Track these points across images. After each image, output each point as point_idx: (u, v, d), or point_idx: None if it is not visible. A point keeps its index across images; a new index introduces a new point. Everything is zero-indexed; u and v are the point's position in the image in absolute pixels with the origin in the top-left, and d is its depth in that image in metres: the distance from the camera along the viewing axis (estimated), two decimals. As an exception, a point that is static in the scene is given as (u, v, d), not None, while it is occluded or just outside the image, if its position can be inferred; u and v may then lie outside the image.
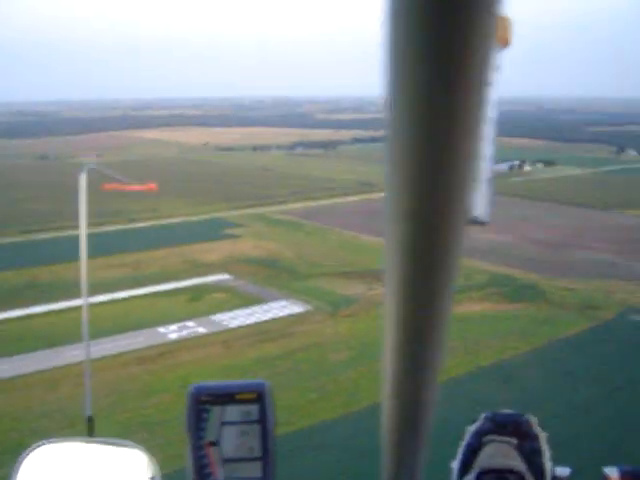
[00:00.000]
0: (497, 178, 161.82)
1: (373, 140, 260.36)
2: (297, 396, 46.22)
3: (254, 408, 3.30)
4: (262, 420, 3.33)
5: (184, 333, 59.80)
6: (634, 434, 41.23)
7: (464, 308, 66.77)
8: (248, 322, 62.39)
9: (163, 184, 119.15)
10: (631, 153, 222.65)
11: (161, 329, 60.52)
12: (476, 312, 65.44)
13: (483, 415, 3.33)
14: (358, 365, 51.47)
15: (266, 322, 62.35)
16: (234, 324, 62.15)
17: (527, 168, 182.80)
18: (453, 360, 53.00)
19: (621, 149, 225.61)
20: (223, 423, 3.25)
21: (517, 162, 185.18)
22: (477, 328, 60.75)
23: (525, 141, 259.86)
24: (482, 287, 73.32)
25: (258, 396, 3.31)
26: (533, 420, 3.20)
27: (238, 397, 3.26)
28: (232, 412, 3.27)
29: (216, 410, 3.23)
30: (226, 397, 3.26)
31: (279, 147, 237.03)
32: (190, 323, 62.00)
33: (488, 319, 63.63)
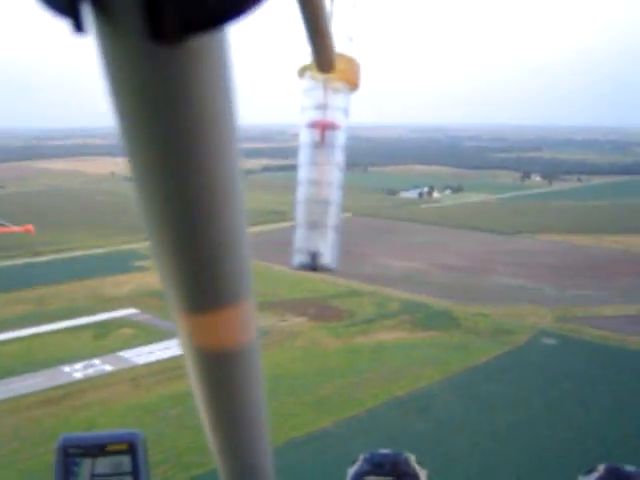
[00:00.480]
0: (407, 205, 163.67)
1: (282, 169, 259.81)
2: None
3: (126, 459, 3.04)
4: (135, 472, 3.03)
5: (90, 372, 56.95)
6: (552, 461, 40.96)
7: (378, 337, 66.16)
8: (158, 358, 59.94)
9: (69, 215, 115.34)
10: (536, 179, 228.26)
11: (66, 368, 57.51)
12: (390, 341, 64.84)
13: (362, 456, 3.27)
14: (272, 400, 49.66)
15: (177, 357, 60.09)
16: (143, 361, 59.74)
17: (436, 195, 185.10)
18: (368, 391, 52.13)
19: (526, 175, 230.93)
20: (93, 476, 3.01)
21: (426, 189, 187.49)
22: (391, 357, 60.07)
23: (434, 168, 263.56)
24: (395, 315, 72.85)
25: (130, 447, 3.05)
26: (412, 458, 3.23)
27: (109, 448, 3.03)
28: (103, 464, 3.03)
29: (86, 462, 2.99)
30: (96, 448, 3.03)
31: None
32: (96, 361, 59.16)
33: (402, 348, 62.98)
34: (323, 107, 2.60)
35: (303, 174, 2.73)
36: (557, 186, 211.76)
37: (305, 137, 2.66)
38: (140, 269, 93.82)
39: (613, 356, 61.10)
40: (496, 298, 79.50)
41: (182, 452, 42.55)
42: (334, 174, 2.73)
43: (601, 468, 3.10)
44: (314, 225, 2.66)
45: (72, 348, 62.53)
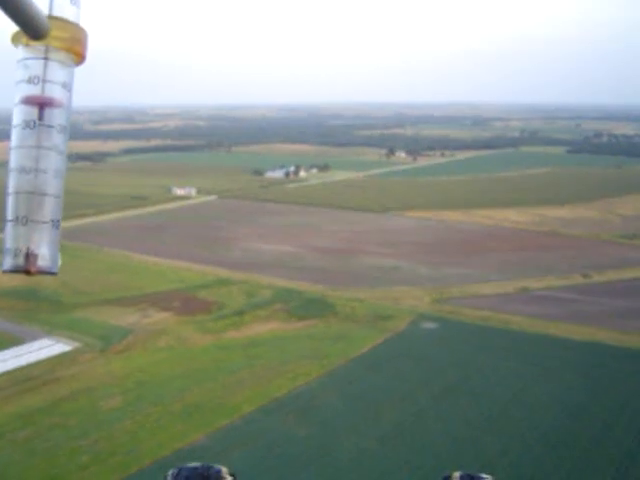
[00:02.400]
0: (274, 185, 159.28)
1: (144, 151, 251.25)
2: (65, 461, 38.60)
3: None
4: None
5: None
6: (446, 459, 37.59)
7: (251, 330, 61.43)
8: (4, 369, 53.07)
9: None
10: (400, 155, 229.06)
11: None
12: (263, 334, 60.26)
13: (170, 472, 3.04)
14: (135, 412, 44.30)
15: (26, 367, 53.44)
16: (-14, 371, 52.83)
17: (302, 174, 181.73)
18: (243, 394, 47.37)
19: (391, 151, 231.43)
20: None
21: (292, 168, 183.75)
22: (266, 353, 55.51)
23: (299, 147, 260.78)
24: (267, 304, 68.20)
25: None
26: (225, 470, 3.05)
27: None
28: None
29: None
30: None
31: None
32: None
33: (277, 341, 58.51)
34: (40, 80, 2.20)
35: (14, 160, 2.25)
36: (422, 162, 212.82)
37: (18, 116, 2.22)
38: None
39: (496, 338, 58.87)
40: (371, 281, 76.31)
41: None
42: (52, 159, 2.25)
43: (456, 475, 3.17)
44: (27, 221, 2.19)
45: None
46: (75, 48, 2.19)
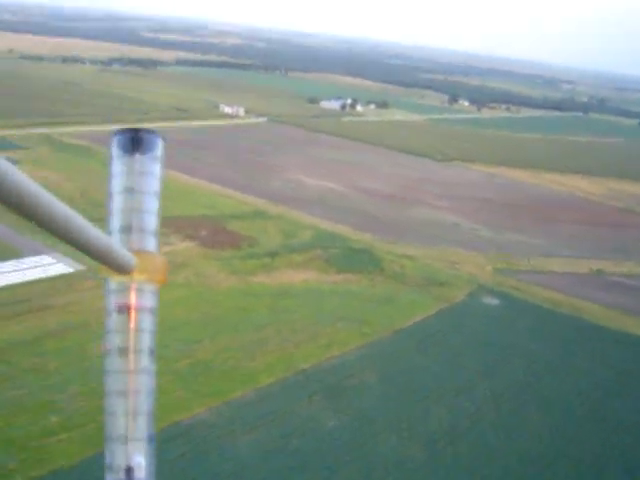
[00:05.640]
0: (329, 116, 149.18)
1: (196, 64, 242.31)
2: (30, 420, 30.48)
3: None
4: None
5: None
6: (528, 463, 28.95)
7: (283, 277, 52.61)
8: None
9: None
10: (463, 103, 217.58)
11: None
12: (297, 283, 51.46)
13: None
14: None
15: (16, 286, 45.28)
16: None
17: (359, 108, 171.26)
18: (263, 358, 38.76)
19: (454, 98, 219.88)
20: None
21: (349, 101, 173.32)
22: (297, 307, 46.80)
23: (357, 81, 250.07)
24: (305, 248, 59.23)
25: None
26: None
27: None
28: None
29: None
30: None
31: (93, 62, 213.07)
32: None
33: (312, 294, 49.74)
34: (129, 308, 2.33)
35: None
36: (486, 114, 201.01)
37: (110, 324, 2.32)
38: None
39: (567, 328, 49.61)
40: (425, 237, 67.06)
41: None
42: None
43: None
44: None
45: None
46: (158, 278, 2.32)
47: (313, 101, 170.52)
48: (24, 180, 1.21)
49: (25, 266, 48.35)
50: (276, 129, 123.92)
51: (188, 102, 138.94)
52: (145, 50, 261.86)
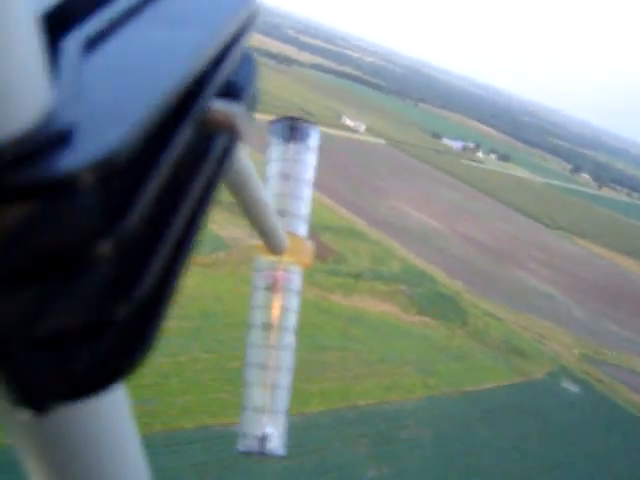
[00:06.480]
0: (448, 155, 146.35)
1: (330, 71, 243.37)
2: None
3: None
4: None
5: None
6: None
7: (361, 302, 50.02)
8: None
9: None
10: (585, 176, 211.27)
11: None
12: (374, 313, 48.78)
13: None
14: (179, 352, 33.73)
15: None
16: None
17: (480, 155, 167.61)
18: (319, 383, 36.27)
19: (576, 169, 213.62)
20: None
21: (472, 144, 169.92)
22: (368, 339, 44.08)
23: (482, 127, 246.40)
24: (391, 279, 56.52)
25: None
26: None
27: None
28: None
29: None
30: None
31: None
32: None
33: (386, 329, 47.01)
34: (276, 287, 2.49)
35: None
36: (605, 192, 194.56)
37: (255, 319, 2.47)
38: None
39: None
40: (517, 300, 63.52)
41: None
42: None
43: None
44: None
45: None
46: (304, 259, 2.44)
47: (436, 136, 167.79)
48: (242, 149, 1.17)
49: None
50: (394, 154, 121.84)
51: (314, 106, 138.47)
52: (284, 47, 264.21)
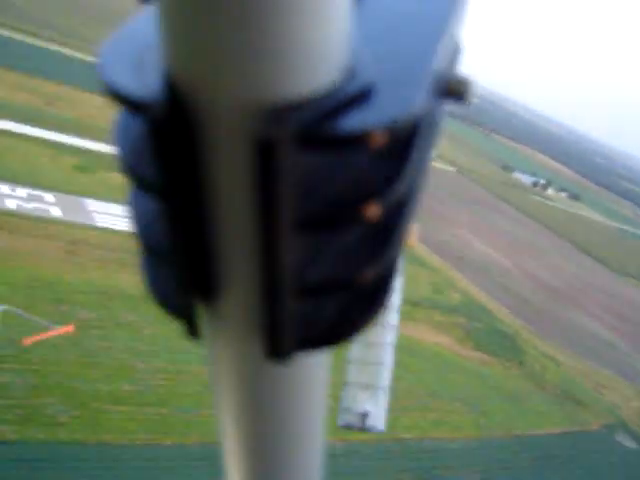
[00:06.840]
0: (518, 189, 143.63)
1: (477, 130, 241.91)
2: (102, 379, 28.02)
3: None
4: None
5: (28, 207, 40.15)
6: None
7: (415, 332, 48.36)
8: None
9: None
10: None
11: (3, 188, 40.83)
12: (428, 344, 47.21)
13: None
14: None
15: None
16: (105, 223, 43.00)
17: (550, 192, 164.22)
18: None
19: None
20: None
21: (542, 181, 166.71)
22: (419, 370, 42.45)
23: (555, 164, 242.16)
24: (449, 311, 54.86)
25: None
26: None
27: None
28: None
29: None
30: None
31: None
32: (48, 196, 42.36)
33: (439, 361, 45.43)
34: None
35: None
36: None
37: None
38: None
39: None
40: (577, 345, 61.27)
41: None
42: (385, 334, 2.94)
43: None
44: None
45: (34, 166, 46.03)
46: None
47: (506, 169, 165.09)
48: None
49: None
50: (464, 182, 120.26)
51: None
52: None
